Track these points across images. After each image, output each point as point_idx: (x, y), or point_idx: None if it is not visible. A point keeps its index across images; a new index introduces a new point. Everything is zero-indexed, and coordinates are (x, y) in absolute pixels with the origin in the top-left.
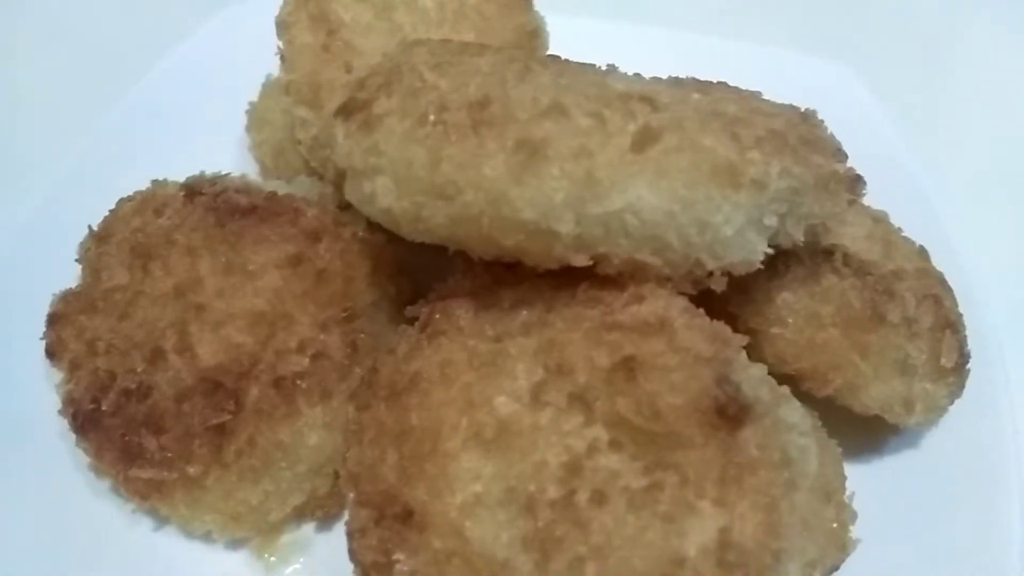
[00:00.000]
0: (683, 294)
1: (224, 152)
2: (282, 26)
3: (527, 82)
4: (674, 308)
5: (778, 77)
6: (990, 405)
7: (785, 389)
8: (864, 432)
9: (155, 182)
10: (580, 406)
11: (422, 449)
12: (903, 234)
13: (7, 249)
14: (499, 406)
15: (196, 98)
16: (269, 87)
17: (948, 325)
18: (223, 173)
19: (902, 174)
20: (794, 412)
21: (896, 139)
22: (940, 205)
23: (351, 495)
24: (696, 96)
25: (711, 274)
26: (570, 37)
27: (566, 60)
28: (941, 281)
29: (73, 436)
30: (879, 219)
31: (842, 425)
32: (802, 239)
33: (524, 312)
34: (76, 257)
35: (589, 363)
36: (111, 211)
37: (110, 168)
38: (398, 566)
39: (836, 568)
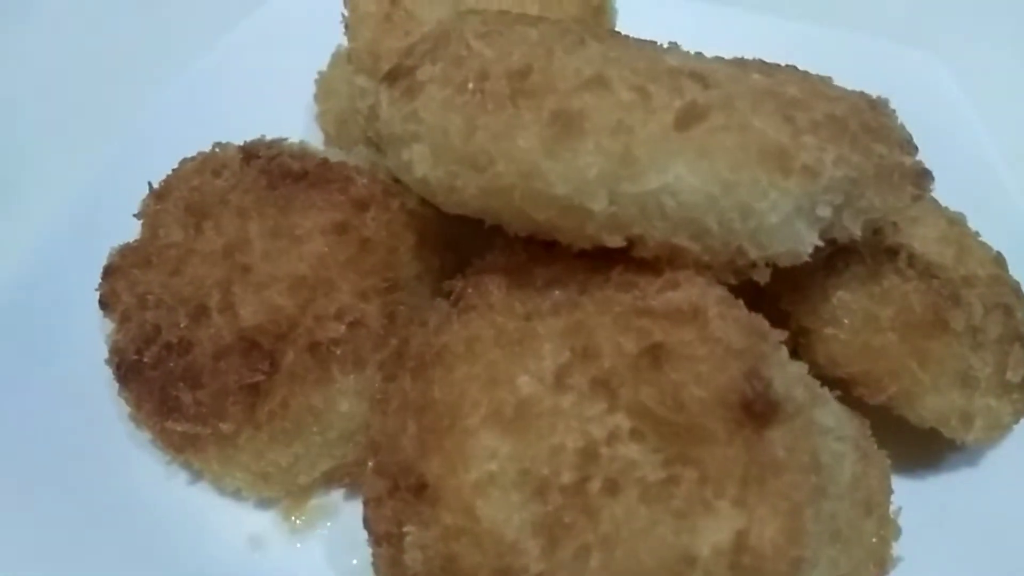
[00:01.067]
0: (724, 284)
1: (294, 120)
2: None
3: (575, 54)
4: (710, 297)
5: (863, 64)
6: None
7: (826, 391)
8: (922, 446)
9: (217, 144)
10: (603, 392)
11: (441, 423)
12: (981, 239)
13: (78, 204)
14: (521, 386)
15: (270, 66)
16: (337, 58)
17: (1018, 338)
18: (284, 139)
19: (987, 173)
20: (830, 415)
21: (983, 136)
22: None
23: (369, 464)
24: (756, 76)
25: (754, 264)
26: (643, 15)
27: (627, 36)
28: (1016, 291)
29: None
30: (955, 221)
31: (898, 437)
32: (860, 234)
33: (556, 292)
34: (135, 213)
35: (616, 348)
36: (173, 171)
37: (182, 131)
38: (408, 538)
39: None
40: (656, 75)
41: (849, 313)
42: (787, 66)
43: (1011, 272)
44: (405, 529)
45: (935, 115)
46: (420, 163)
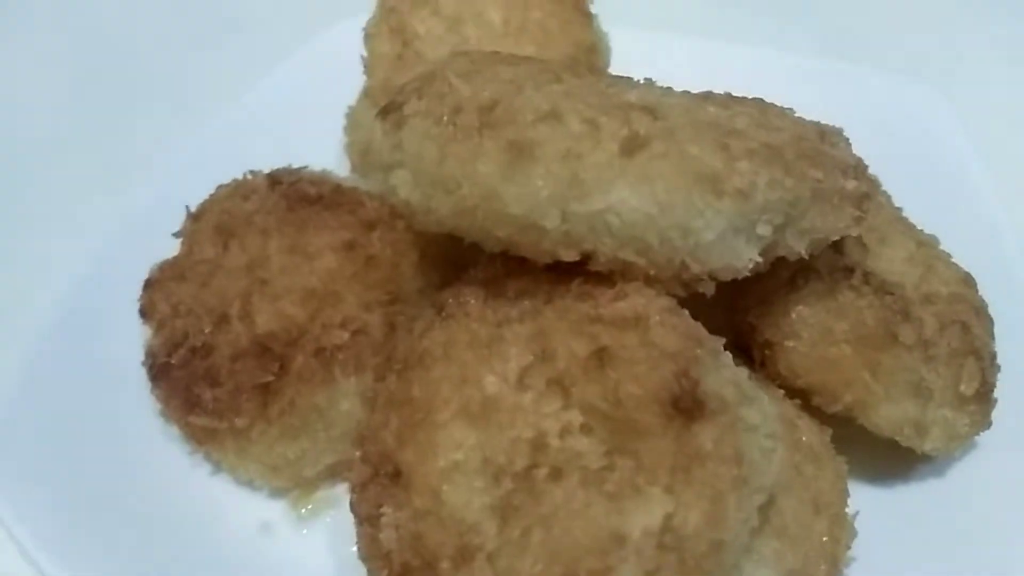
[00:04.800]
0: (674, 295)
1: (327, 151)
2: (366, 37)
3: (541, 90)
4: (653, 306)
5: (862, 97)
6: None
7: (759, 392)
8: (890, 457)
9: (249, 171)
10: (558, 390)
11: (416, 417)
12: (951, 261)
13: (129, 223)
14: (487, 385)
15: (309, 101)
16: (362, 94)
17: (972, 352)
18: (305, 167)
19: (974, 200)
20: (758, 414)
21: (974, 165)
22: (1009, 233)
23: (357, 454)
24: (711, 109)
25: (700, 278)
26: (638, 53)
27: (603, 73)
28: (977, 309)
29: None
30: (924, 243)
31: (867, 448)
32: (805, 252)
33: (525, 302)
34: (174, 232)
35: (569, 351)
36: (209, 195)
37: (226, 161)
38: (384, 518)
39: None
40: (608, 109)
41: (807, 327)
42: (753, 99)
43: (994, 298)
44: (382, 510)
45: (933, 147)
46: (402, 186)
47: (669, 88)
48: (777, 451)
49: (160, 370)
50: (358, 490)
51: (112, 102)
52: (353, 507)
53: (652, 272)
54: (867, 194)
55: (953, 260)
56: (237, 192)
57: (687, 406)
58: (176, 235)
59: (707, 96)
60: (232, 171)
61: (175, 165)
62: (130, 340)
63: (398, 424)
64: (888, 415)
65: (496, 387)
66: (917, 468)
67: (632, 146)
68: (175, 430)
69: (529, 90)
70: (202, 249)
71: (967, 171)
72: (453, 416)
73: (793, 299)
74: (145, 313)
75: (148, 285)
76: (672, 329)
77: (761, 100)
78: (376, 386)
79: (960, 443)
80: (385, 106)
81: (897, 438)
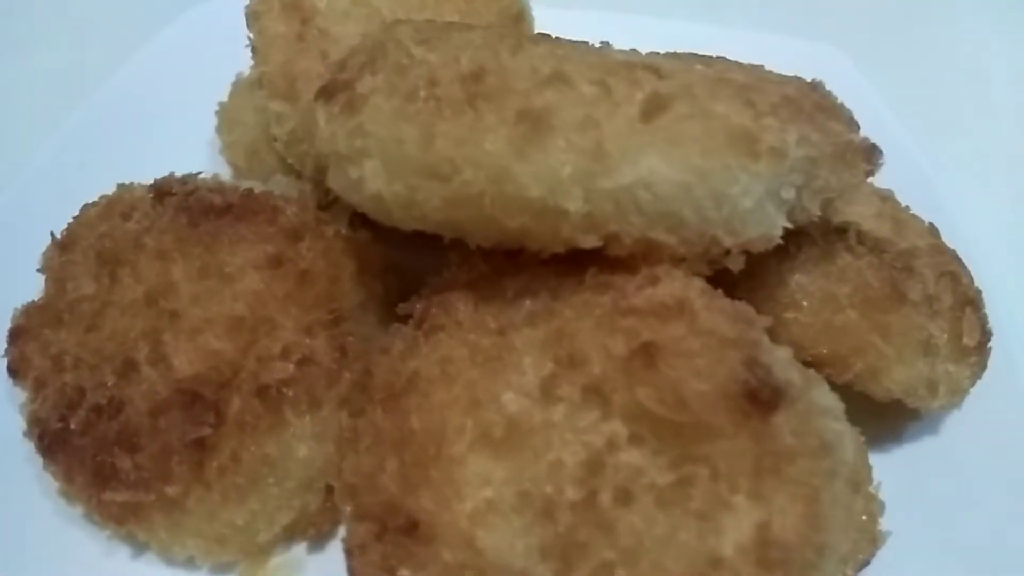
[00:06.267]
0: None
1: (194, 155)
2: (252, 17)
3: (522, 54)
4: (692, 289)
5: (769, 61)
6: (1009, 385)
7: (814, 371)
8: (882, 420)
9: (121, 185)
10: (596, 399)
11: (425, 454)
12: (912, 212)
13: None
14: (507, 403)
15: (164, 101)
16: (240, 86)
17: (968, 302)
18: (198, 172)
19: (900, 154)
20: (826, 395)
21: (893, 120)
22: (940, 184)
23: (347, 509)
24: (700, 67)
25: (727, 252)
26: (556, 27)
27: (558, 38)
28: (955, 257)
29: (40, 460)
30: (886, 197)
31: (859, 413)
32: (818, 214)
33: (528, 302)
34: (38, 267)
35: (604, 352)
36: (75, 218)
37: (75, 174)
38: None
39: (867, 563)
40: (612, 69)
41: (807, 295)
42: (718, 57)
43: None
44: (399, 573)
45: (846, 102)
46: (373, 179)
47: (634, 49)
48: (847, 433)
49: (54, 440)
50: (358, 554)
51: None
52: (354, 574)
53: (681, 251)
54: (875, 146)
55: (913, 212)
56: (112, 210)
57: (767, 397)
58: (40, 270)
59: (678, 55)
60: (91, 186)
61: (19, 185)
62: None
63: (400, 466)
64: (901, 378)
65: (517, 405)
66: (909, 429)
67: (653, 108)
68: (81, 510)
69: (507, 55)
70: (79, 284)
71: (887, 129)
72: (471, 446)
73: (787, 267)
74: (16, 371)
75: (15, 336)
76: (721, 312)
77: (725, 58)
78: (355, 423)
79: (962, 396)
80: (325, 87)
81: (908, 400)
